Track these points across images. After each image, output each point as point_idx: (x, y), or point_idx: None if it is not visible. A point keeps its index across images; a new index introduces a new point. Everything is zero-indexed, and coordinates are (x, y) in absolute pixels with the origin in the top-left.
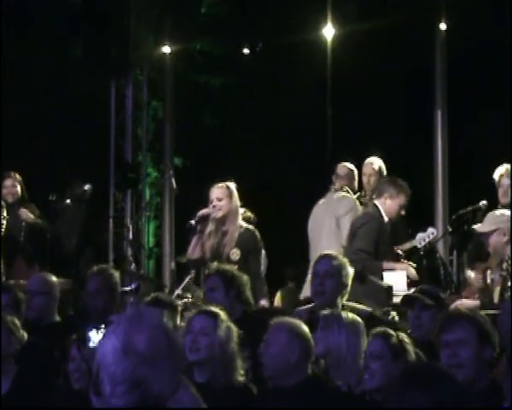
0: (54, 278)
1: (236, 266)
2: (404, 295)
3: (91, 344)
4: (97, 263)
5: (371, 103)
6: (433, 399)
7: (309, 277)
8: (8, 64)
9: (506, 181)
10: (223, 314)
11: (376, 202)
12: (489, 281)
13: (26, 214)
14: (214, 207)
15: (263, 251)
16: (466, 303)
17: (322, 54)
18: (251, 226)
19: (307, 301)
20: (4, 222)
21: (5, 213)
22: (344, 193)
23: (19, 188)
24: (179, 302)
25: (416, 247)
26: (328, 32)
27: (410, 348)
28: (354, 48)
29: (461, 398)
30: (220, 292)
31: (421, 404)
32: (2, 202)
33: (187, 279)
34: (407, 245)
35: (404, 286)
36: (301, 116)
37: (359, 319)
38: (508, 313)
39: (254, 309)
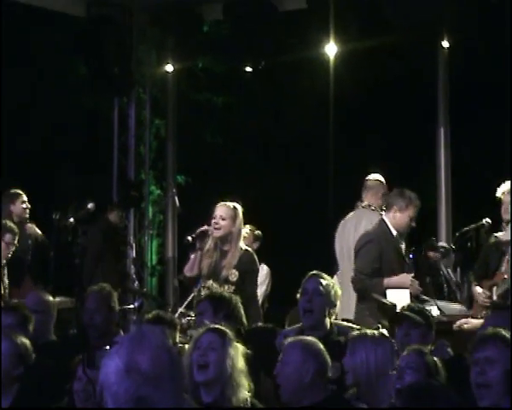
0: (50, 297)
1: (234, 287)
2: (394, 312)
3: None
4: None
5: (373, 120)
6: None
7: None
8: (10, 81)
9: (507, 198)
10: (230, 333)
11: (385, 216)
12: (495, 297)
13: (34, 229)
14: (215, 224)
15: (267, 269)
16: (472, 322)
17: (324, 72)
18: (249, 248)
19: None
20: (14, 249)
21: (16, 241)
22: (371, 211)
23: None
24: (183, 320)
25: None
26: (331, 49)
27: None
28: (357, 65)
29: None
30: (209, 315)
31: None
32: (14, 226)
33: (190, 297)
34: None
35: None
36: (303, 134)
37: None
38: None
39: (248, 328)
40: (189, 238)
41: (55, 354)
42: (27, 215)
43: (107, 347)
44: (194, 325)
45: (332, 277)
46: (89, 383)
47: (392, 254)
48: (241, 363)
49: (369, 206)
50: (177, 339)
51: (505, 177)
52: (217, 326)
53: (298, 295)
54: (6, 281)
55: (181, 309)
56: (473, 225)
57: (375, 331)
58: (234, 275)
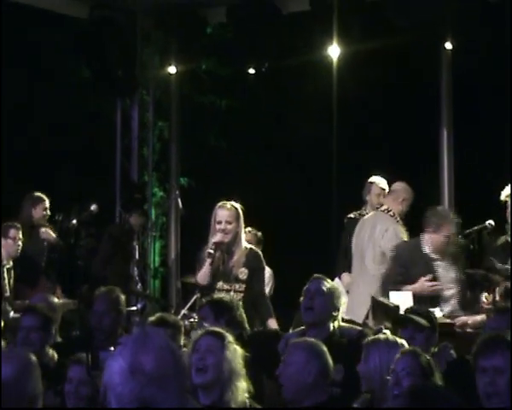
0: (55, 299)
1: (244, 286)
2: (398, 315)
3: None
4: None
5: (377, 123)
6: None
7: None
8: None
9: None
10: (229, 336)
11: (425, 234)
12: (498, 297)
13: (48, 233)
14: (223, 230)
15: (270, 271)
16: (474, 318)
17: (327, 74)
18: (254, 246)
19: None
20: (20, 244)
21: (20, 235)
22: (389, 217)
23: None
24: (186, 322)
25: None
26: (334, 51)
27: (437, 370)
28: (360, 67)
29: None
30: (210, 320)
31: None
32: (16, 223)
33: (193, 299)
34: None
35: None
36: (307, 136)
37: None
38: None
39: (251, 333)
40: (211, 251)
41: (59, 355)
42: (45, 222)
43: (112, 348)
44: (196, 327)
45: (333, 280)
46: (81, 384)
47: (419, 269)
48: (239, 366)
49: (388, 211)
50: (182, 342)
51: (508, 179)
52: (215, 329)
53: (301, 298)
54: (11, 282)
55: (184, 311)
56: (475, 227)
57: (389, 335)
58: (244, 273)
